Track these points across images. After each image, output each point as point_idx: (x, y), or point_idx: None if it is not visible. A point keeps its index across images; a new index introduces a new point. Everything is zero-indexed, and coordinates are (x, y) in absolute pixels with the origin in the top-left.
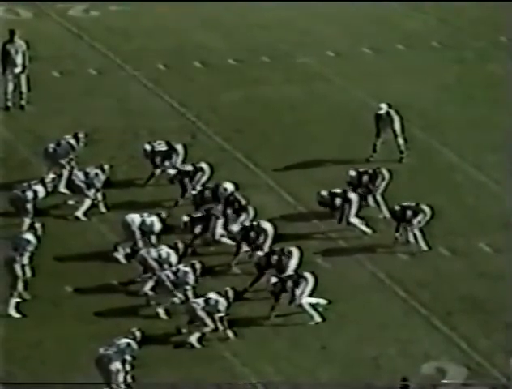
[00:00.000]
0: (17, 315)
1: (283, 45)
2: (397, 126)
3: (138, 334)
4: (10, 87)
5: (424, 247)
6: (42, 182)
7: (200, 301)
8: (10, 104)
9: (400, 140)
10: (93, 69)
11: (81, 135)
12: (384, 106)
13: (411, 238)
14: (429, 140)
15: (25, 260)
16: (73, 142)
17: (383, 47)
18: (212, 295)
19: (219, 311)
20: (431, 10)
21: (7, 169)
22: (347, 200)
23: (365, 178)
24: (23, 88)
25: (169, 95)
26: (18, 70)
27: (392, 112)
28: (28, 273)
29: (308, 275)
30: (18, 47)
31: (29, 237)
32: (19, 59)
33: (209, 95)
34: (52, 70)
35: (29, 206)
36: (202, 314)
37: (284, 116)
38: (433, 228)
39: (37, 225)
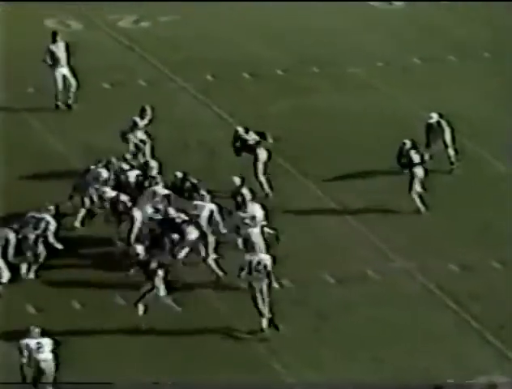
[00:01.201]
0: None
1: (331, 55)
2: (447, 136)
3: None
4: (59, 86)
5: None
6: (106, 167)
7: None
8: (59, 103)
9: (451, 151)
10: (143, 80)
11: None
12: (435, 115)
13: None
14: (479, 150)
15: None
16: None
17: (433, 56)
18: None
19: None
20: (481, 19)
21: (58, 187)
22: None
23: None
24: (72, 88)
25: (218, 105)
26: (65, 70)
27: (443, 122)
28: (43, 257)
29: None
30: (61, 47)
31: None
32: (63, 59)
33: (258, 105)
34: (102, 82)
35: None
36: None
37: (333, 126)
38: (484, 239)
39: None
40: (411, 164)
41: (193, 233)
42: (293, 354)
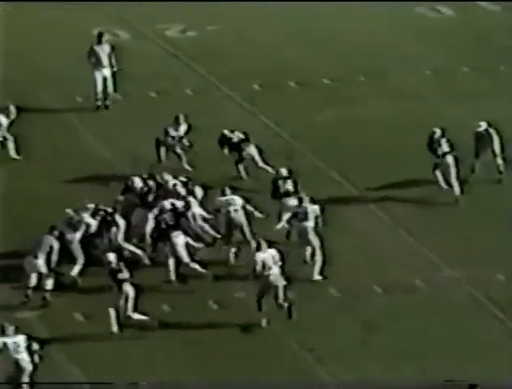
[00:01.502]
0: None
1: (379, 64)
2: (496, 145)
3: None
4: (99, 87)
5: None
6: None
7: None
8: (99, 103)
9: (499, 160)
10: (189, 89)
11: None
12: (483, 124)
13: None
14: None
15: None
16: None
17: (482, 65)
18: None
19: None
20: None
21: (102, 192)
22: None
23: None
24: (110, 89)
25: (265, 114)
26: (106, 71)
27: (492, 130)
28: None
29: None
30: (105, 49)
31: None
32: (105, 61)
33: (304, 114)
34: (149, 91)
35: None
36: None
37: (380, 135)
38: None
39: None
40: (442, 153)
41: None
42: (340, 364)
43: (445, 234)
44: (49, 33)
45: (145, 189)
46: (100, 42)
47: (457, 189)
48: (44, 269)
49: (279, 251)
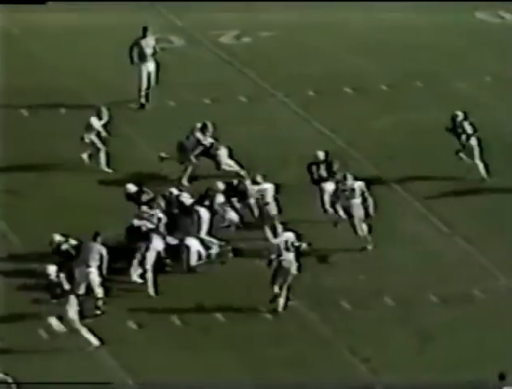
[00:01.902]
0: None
1: (436, 69)
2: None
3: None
4: (144, 84)
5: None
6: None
7: None
8: (143, 100)
9: (463, 155)
10: (243, 96)
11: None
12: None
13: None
14: None
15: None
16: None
17: None
18: None
19: None
20: None
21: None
22: None
23: None
24: (153, 83)
25: (319, 121)
26: (151, 66)
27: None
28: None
29: None
30: (149, 43)
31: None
32: (149, 55)
33: (360, 121)
34: (203, 98)
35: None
36: None
37: (437, 142)
38: None
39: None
40: (465, 135)
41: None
42: (395, 374)
43: (503, 243)
44: (104, 37)
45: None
46: (144, 36)
47: (482, 169)
48: (96, 277)
49: (297, 235)
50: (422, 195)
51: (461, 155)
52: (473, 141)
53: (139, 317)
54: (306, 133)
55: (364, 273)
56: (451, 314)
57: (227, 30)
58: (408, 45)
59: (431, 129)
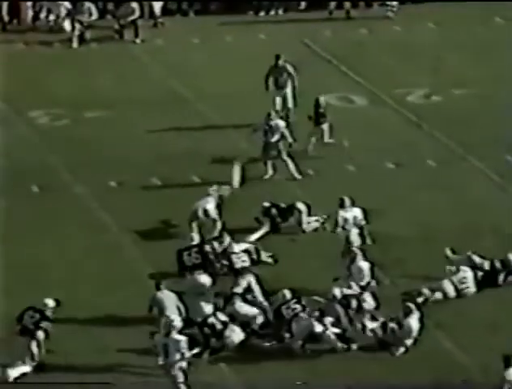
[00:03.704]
0: None
1: None
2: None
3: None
4: (278, 107)
5: None
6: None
7: None
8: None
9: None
10: (432, 160)
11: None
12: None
13: None
14: None
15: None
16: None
17: None
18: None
19: None
20: None
21: None
22: None
23: None
24: (290, 105)
25: None
26: (287, 89)
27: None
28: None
29: None
30: (282, 71)
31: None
32: (283, 82)
33: None
34: (386, 162)
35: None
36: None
37: None
38: None
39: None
40: None
41: None
42: None
43: None
44: None
45: None
46: (276, 65)
47: None
48: None
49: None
50: None
51: None
52: None
53: None
54: (502, 201)
55: None
56: None
57: (414, 88)
58: None
59: None
